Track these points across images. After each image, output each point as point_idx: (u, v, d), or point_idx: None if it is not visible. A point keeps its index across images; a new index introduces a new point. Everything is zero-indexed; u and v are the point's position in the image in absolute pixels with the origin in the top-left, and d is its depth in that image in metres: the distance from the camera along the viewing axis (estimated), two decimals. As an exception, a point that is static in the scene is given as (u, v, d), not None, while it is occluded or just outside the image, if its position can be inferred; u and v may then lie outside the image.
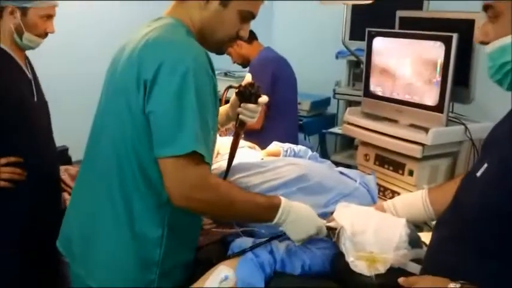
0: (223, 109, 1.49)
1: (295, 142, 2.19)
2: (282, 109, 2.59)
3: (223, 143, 1.68)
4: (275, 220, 1.19)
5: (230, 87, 1.45)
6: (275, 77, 2.53)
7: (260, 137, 2.23)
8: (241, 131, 1.43)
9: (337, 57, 3.19)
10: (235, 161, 1.50)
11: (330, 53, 3.26)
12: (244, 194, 1.22)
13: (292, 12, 3.85)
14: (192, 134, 1.06)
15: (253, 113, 1.39)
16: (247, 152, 1.74)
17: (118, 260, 1.19)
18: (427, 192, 1.33)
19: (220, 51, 1.29)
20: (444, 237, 1.03)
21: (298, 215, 1.21)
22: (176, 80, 1.06)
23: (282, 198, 1.22)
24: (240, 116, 1.39)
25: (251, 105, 1.37)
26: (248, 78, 1.43)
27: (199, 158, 1.08)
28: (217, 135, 1.41)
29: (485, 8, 0.97)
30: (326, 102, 3.51)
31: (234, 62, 2.79)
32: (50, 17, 1.82)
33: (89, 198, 1.25)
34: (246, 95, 1.38)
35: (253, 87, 1.39)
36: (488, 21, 0.97)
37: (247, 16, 1.24)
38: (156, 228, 1.18)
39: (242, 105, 1.38)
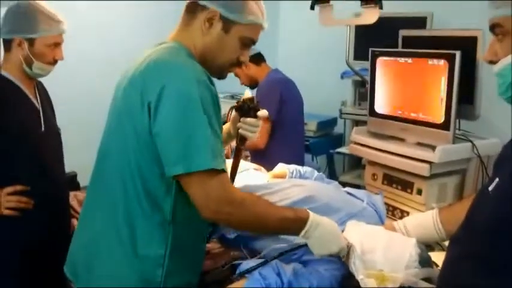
0: (224, 128, 1.51)
1: (302, 163, 2.19)
2: (289, 130, 2.59)
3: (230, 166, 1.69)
4: (302, 233, 1.21)
5: (233, 107, 1.46)
6: (283, 98, 2.55)
7: (266, 159, 2.24)
8: (243, 146, 1.45)
9: (342, 77, 3.21)
10: (241, 184, 1.50)
11: (335, 73, 3.28)
12: (271, 207, 1.23)
13: (296, 33, 3.90)
14: (206, 149, 1.09)
15: (253, 127, 1.40)
16: (253, 174, 1.74)
17: (120, 279, 1.19)
18: (437, 212, 1.32)
19: (221, 76, 1.32)
20: (458, 256, 1.02)
21: (324, 231, 1.22)
22: (180, 99, 1.09)
23: (310, 212, 1.23)
24: (240, 131, 1.41)
25: (251, 120, 1.39)
26: (247, 93, 1.45)
27: (218, 170, 1.10)
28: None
29: (492, 27, 0.97)
30: (333, 122, 3.51)
31: (242, 83, 2.82)
32: (57, 44, 1.84)
33: (94, 220, 1.26)
34: (245, 109, 1.40)
35: (252, 101, 1.41)
36: (496, 41, 0.98)
37: (248, 42, 1.27)
38: (158, 248, 1.19)
39: (242, 119, 1.40)
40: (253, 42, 1.28)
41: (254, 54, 2.69)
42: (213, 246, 1.47)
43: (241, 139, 1.43)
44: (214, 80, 1.26)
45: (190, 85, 1.10)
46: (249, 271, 1.26)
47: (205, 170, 1.08)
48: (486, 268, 0.92)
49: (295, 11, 3.71)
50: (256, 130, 1.41)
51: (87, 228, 1.29)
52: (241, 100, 1.42)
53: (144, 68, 1.16)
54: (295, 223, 1.21)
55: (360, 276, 1.17)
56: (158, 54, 1.19)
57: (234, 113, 1.46)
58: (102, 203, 1.24)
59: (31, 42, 1.78)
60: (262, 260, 1.32)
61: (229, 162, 1.69)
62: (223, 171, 1.12)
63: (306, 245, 1.26)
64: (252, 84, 2.76)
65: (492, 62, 0.99)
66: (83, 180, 2.32)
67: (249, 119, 1.39)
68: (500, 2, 0.94)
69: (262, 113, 1.41)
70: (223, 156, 1.15)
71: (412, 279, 1.15)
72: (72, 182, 2.38)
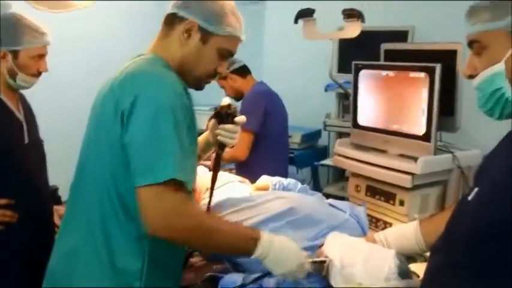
0: (202, 136, 1.51)
1: (286, 176, 2.20)
2: (273, 143, 2.61)
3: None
4: (256, 253, 1.17)
5: (212, 116, 1.47)
6: (267, 110, 2.57)
7: (250, 171, 2.24)
8: (221, 152, 1.45)
9: (326, 90, 3.24)
10: (224, 196, 1.49)
11: (319, 86, 3.31)
12: (224, 224, 1.23)
13: (281, 46, 3.93)
14: (169, 161, 1.07)
15: (231, 134, 1.41)
16: (238, 187, 1.74)
17: None
18: (418, 223, 1.33)
19: (198, 87, 1.32)
20: (439, 266, 1.03)
21: (280, 250, 1.19)
22: (152, 110, 1.09)
23: (263, 233, 1.20)
24: (219, 137, 1.41)
25: (229, 126, 1.40)
26: (225, 101, 1.46)
27: (178, 185, 1.09)
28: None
29: (470, 43, 1.00)
30: (317, 134, 3.53)
31: (228, 95, 2.83)
32: (41, 56, 1.83)
33: (72, 234, 1.25)
34: (223, 115, 1.42)
35: (229, 108, 1.42)
36: (474, 56, 1.00)
37: (225, 54, 1.28)
38: (136, 260, 1.18)
39: (220, 126, 1.41)
40: (231, 54, 1.29)
41: (239, 67, 2.71)
42: (196, 259, 1.46)
43: (220, 146, 1.43)
44: (199, 92, 1.27)
45: (164, 96, 1.11)
46: None
47: (167, 181, 1.06)
48: (467, 277, 0.93)
49: (280, 24, 3.74)
50: (234, 136, 1.41)
51: (65, 242, 1.27)
52: (219, 107, 1.43)
53: (121, 79, 1.16)
54: (248, 241, 1.17)
55: None
56: (135, 65, 1.20)
57: (212, 120, 1.46)
58: (80, 217, 1.23)
59: (15, 54, 1.77)
60: (245, 274, 1.31)
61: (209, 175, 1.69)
62: (186, 185, 1.10)
63: None
64: (238, 96, 2.78)
65: (471, 77, 1.01)
66: (65, 195, 2.29)
67: (227, 125, 1.40)
68: (475, 19, 0.97)
69: (240, 118, 1.42)
70: (189, 172, 1.13)
71: None
72: (53, 196, 2.34)
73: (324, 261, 1.23)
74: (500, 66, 0.93)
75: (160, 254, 1.21)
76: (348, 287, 1.16)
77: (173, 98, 1.12)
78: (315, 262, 1.24)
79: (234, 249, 1.24)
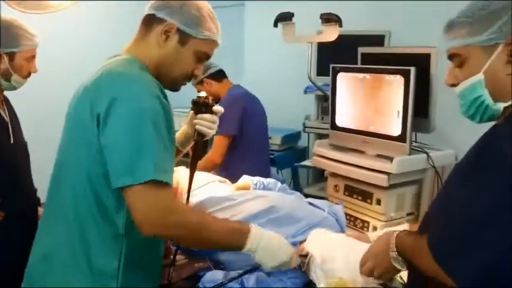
0: (181, 130, 1.52)
1: (267, 176, 2.23)
2: (252, 144, 2.64)
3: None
4: (247, 246, 1.20)
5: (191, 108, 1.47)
6: (245, 112, 2.60)
7: (231, 172, 2.27)
8: (200, 140, 1.43)
9: (305, 92, 3.28)
10: (205, 195, 1.52)
11: (299, 88, 3.35)
12: (214, 218, 1.24)
13: (261, 49, 3.97)
14: (151, 161, 1.08)
15: (209, 123, 1.41)
16: (218, 186, 1.77)
17: None
18: (409, 226, 1.38)
19: (174, 88, 1.32)
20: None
21: (269, 242, 1.23)
22: (129, 112, 1.09)
23: (253, 225, 1.24)
24: (197, 127, 1.40)
25: (207, 115, 1.41)
26: (202, 93, 1.47)
27: (162, 183, 1.10)
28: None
29: (451, 56, 1.08)
30: (297, 136, 3.57)
31: None
32: (33, 57, 1.87)
33: (48, 235, 1.25)
34: (201, 104, 1.42)
35: (207, 98, 1.43)
36: (454, 67, 1.08)
37: (202, 56, 1.29)
38: (112, 260, 1.18)
39: (198, 116, 1.41)
40: (207, 56, 1.31)
41: (215, 71, 2.75)
42: (178, 257, 1.47)
43: (199, 135, 1.41)
44: (181, 93, 1.28)
45: (141, 97, 1.11)
46: None
47: (148, 181, 1.07)
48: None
49: (260, 28, 3.78)
50: (213, 126, 1.42)
51: (43, 243, 1.27)
52: (196, 97, 1.44)
53: (96, 79, 1.17)
54: (239, 234, 1.21)
55: (320, 285, 1.21)
56: (111, 66, 1.20)
57: (190, 112, 1.47)
58: (56, 218, 1.23)
59: (11, 56, 1.79)
60: (226, 272, 1.34)
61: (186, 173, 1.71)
62: (168, 184, 1.12)
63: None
64: (215, 99, 2.80)
65: (453, 85, 1.09)
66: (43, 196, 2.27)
67: (205, 115, 1.40)
68: (454, 34, 1.04)
69: (218, 108, 1.43)
70: (170, 171, 1.14)
71: (372, 285, 1.20)
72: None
73: (306, 255, 1.27)
74: (479, 77, 1.01)
75: (137, 253, 1.21)
76: (328, 281, 1.20)
77: (149, 100, 1.12)
78: (300, 256, 1.28)
79: (226, 243, 1.25)
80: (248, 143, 2.61)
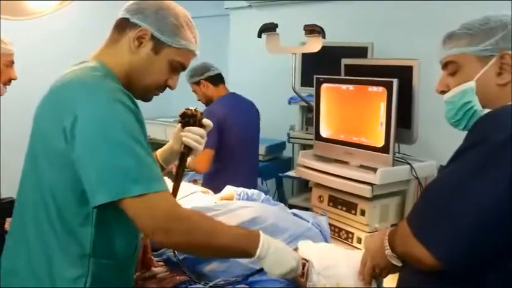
0: (165, 146, 1.45)
1: (254, 187, 2.23)
2: (233, 155, 2.64)
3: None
4: (258, 252, 1.12)
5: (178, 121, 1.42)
6: (220, 125, 2.57)
7: (216, 182, 2.25)
8: (187, 152, 1.37)
9: (289, 102, 3.30)
10: (189, 206, 1.50)
11: (283, 99, 3.37)
12: (220, 223, 1.15)
13: (246, 60, 3.98)
14: (124, 175, 1.01)
15: (197, 136, 1.35)
16: (201, 197, 1.75)
17: None
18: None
19: (145, 98, 1.24)
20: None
21: (278, 247, 1.16)
22: (97, 123, 1.02)
23: (261, 232, 1.16)
24: (184, 139, 1.34)
25: (194, 128, 1.35)
26: (191, 107, 1.41)
27: (163, 192, 1.04)
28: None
29: (445, 64, 1.15)
30: (281, 146, 3.58)
31: (199, 100, 2.87)
32: (12, 63, 1.86)
33: (12, 251, 1.17)
34: (189, 115, 1.36)
35: (196, 110, 1.38)
36: (446, 75, 1.15)
37: (178, 66, 1.22)
38: (78, 282, 1.09)
39: (186, 128, 1.35)
40: (183, 67, 1.23)
41: (214, 75, 2.76)
42: (159, 270, 1.45)
43: (186, 147, 1.36)
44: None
45: (105, 107, 1.03)
46: None
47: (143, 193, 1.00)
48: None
49: (244, 38, 3.80)
50: (201, 141, 1.36)
51: (8, 260, 1.18)
52: (184, 109, 1.38)
53: (57, 89, 1.10)
54: (248, 239, 1.13)
55: None
56: (74, 74, 1.11)
57: (177, 126, 1.40)
58: (19, 234, 1.15)
59: None
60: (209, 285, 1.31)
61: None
62: (165, 190, 1.05)
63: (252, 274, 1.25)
64: (208, 103, 2.83)
65: (443, 92, 1.16)
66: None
67: (193, 128, 1.35)
68: (453, 43, 1.12)
69: (207, 121, 1.38)
70: (160, 175, 1.07)
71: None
72: (10, 209, 2.27)
73: (306, 262, 1.27)
74: (471, 84, 1.09)
75: (106, 275, 1.13)
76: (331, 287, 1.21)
77: (115, 109, 1.04)
78: None
79: (237, 250, 1.15)
80: (230, 154, 2.60)
